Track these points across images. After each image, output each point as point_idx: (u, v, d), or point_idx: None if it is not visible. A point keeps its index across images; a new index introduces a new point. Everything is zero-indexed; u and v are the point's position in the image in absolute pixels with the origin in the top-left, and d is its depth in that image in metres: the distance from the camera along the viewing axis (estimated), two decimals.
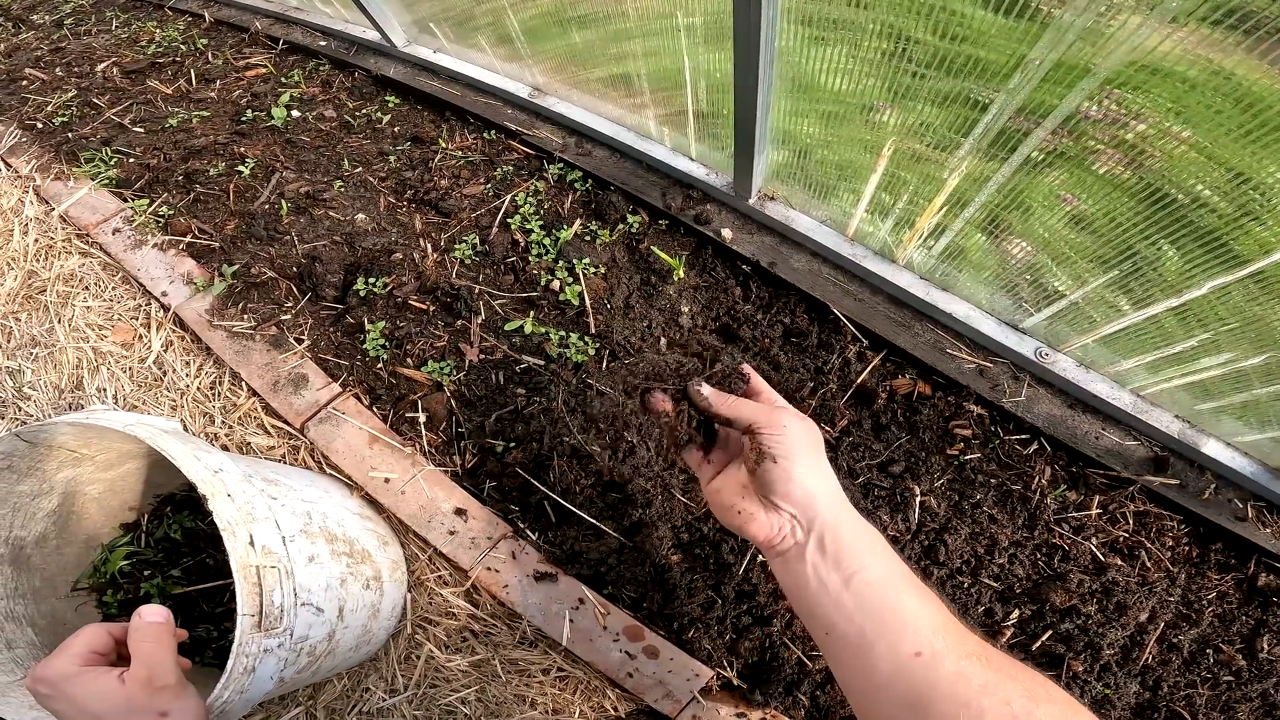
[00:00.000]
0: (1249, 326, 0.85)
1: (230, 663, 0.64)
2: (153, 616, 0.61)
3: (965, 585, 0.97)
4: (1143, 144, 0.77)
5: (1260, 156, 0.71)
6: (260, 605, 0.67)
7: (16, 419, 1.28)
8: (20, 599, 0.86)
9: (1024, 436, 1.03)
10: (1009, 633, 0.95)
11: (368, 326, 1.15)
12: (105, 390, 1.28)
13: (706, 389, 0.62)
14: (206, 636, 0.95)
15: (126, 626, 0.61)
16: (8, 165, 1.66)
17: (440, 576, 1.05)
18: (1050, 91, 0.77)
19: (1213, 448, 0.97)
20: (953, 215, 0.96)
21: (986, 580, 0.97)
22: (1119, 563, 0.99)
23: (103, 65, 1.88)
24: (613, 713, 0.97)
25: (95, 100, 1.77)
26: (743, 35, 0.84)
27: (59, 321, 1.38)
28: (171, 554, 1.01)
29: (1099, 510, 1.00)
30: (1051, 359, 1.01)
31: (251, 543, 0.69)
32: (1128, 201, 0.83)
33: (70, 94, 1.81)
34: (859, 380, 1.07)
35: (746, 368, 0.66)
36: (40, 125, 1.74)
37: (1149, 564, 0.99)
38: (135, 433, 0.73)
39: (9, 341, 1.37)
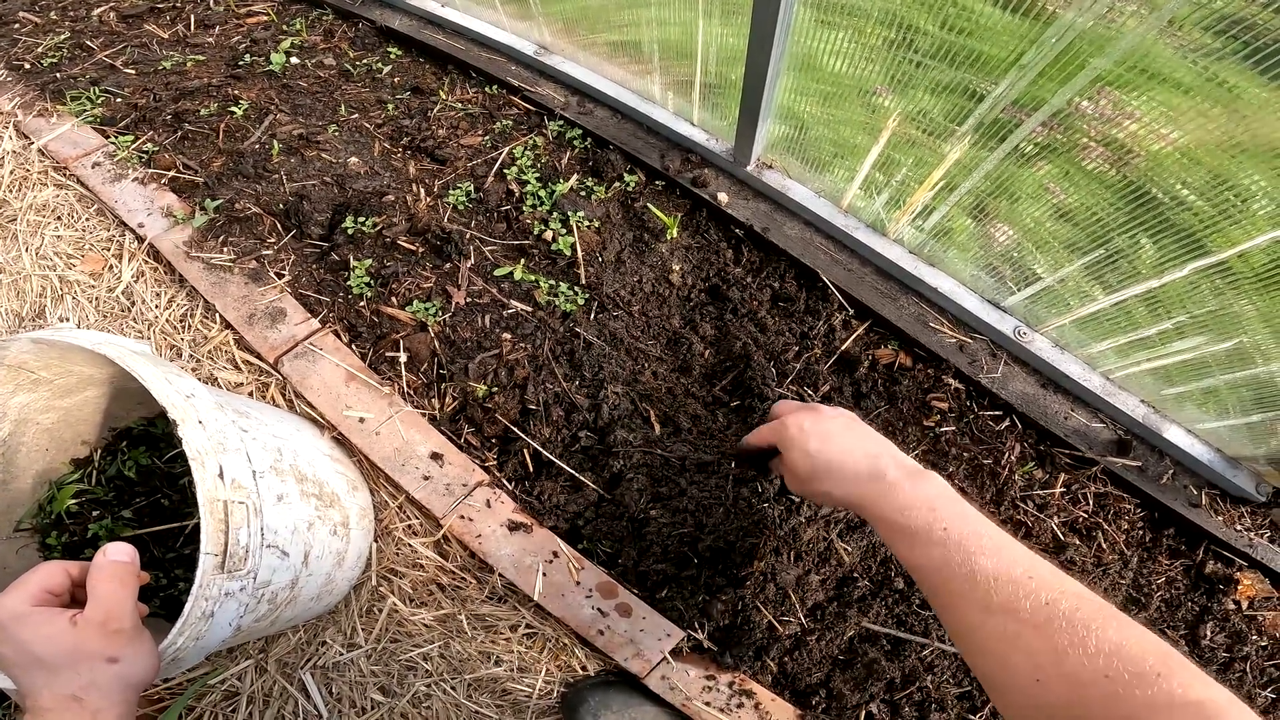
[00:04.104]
0: (1214, 317, 0.83)
1: (188, 606, 0.55)
2: (117, 554, 0.53)
3: None
4: (1131, 142, 0.75)
5: (1241, 162, 0.69)
6: (225, 544, 0.57)
7: None
8: None
9: (997, 413, 0.98)
10: None
11: (353, 264, 1.04)
12: (68, 319, 1.13)
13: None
14: (155, 584, 0.82)
15: (85, 565, 0.53)
16: None
17: (410, 526, 0.94)
18: (1045, 87, 0.74)
19: (1174, 433, 0.93)
20: (943, 197, 0.92)
21: None
22: (1077, 542, 0.94)
23: (99, 9, 1.72)
24: (580, 671, 0.87)
25: (88, 43, 1.61)
26: (760, 10, 0.80)
27: (26, 250, 1.23)
28: (123, 493, 0.88)
29: (1062, 489, 0.96)
30: (1029, 338, 0.96)
31: (221, 475, 0.59)
32: (1110, 196, 0.80)
33: (63, 36, 1.64)
34: (843, 347, 1.01)
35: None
36: (28, 65, 1.57)
37: (1105, 545, 0.95)
38: (104, 351, 0.62)
39: None
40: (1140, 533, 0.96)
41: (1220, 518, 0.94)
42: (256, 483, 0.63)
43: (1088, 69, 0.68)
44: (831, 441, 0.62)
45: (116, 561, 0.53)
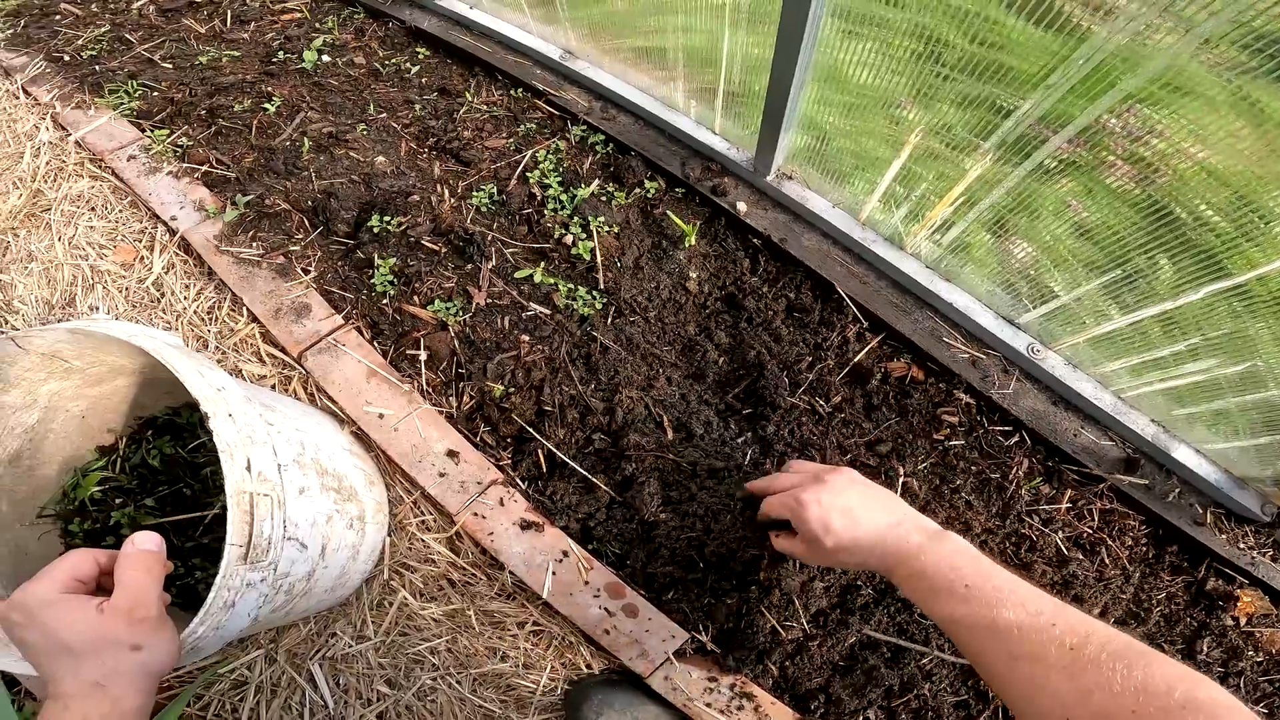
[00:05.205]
0: (1229, 339, 0.80)
1: (211, 595, 0.54)
2: (145, 543, 0.53)
3: None
4: (1157, 160, 0.72)
5: (1267, 181, 0.66)
6: (249, 536, 0.57)
7: (0, 331, 1.12)
8: None
9: (1007, 428, 0.96)
10: None
11: (378, 262, 1.03)
12: (98, 308, 1.13)
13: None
14: (174, 572, 0.82)
15: (113, 554, 0.53)
16: (27, 94, 1.48)
17: (423, 521, 0.93)
18: (1073, 103, 0.71)
19: (1182, 453, 0.91)
20: (963, 212, 0.90)
21: None
22: (1080, 557, 0.92)
23: (139, 3, 1.71)
24: (585, 669, 0.86)
25: (127, 36, 1.60)
26: (788, 20, 0.77)
27: (59, 239, 1.22)
28: (146, 481, 0.87)
29: (1069, 505, 0.94)
30: (1042, 356, 0.94)
31: (249, 468, 0.58)
32: (1132, 214, 0.78)
33: (103, 29, 1.63)
34: (856, 359, 0.99)
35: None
36: (67, 58, 1.56)
37: (1108, 561, 0.93)
38: (139, 343, 0.61)
39: (4, 255, 1.21)
40: (1143, 549, 0.93)
41: (1224, 536, 0.91)
42: (281, 475, 0.63)
43: (1118, 87, 0.65)
44: (853, 515, 0.63)
45: (145, 551, 0.53)
